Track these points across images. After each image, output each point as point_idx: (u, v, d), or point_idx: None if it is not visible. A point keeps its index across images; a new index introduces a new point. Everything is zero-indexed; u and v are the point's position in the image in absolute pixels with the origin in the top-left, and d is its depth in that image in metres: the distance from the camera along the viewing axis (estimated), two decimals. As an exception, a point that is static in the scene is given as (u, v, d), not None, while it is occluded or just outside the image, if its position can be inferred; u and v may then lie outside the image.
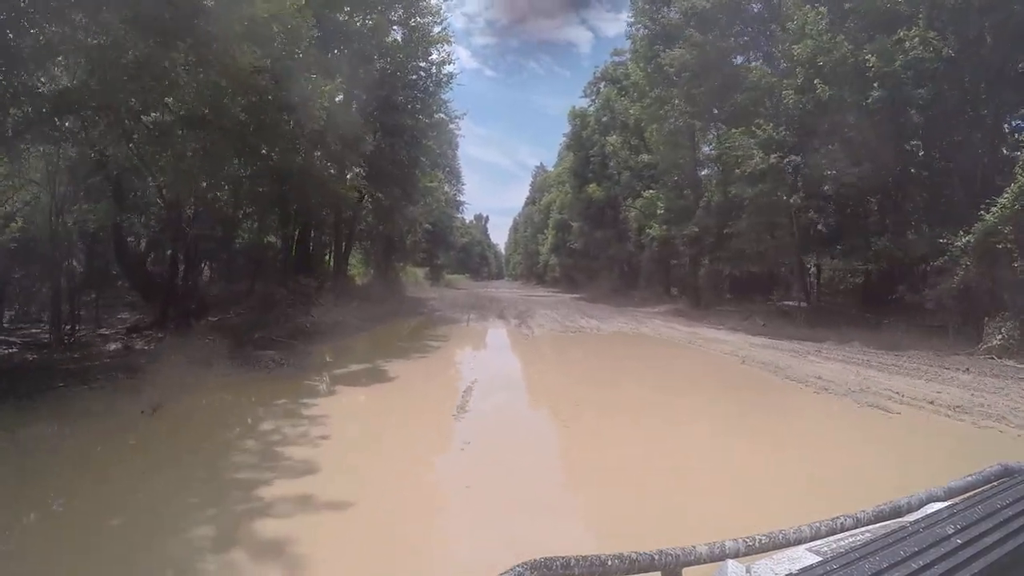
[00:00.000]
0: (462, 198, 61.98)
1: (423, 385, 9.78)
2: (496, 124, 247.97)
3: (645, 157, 28.84)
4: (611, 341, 16.93)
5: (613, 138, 35.65)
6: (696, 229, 24.06)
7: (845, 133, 18.08)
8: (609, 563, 0.96)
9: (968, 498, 1.12)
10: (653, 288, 40.34)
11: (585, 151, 37.73)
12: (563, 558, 0.92)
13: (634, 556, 0.99)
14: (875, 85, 17.05)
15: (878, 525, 1.17)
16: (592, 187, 34.34)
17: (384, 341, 15.84)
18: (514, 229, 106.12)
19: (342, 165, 15.09)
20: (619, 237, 38.03)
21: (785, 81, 19.55)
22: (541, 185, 73.93)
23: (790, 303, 24.93)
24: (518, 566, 0.88)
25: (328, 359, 12.38)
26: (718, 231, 23.28)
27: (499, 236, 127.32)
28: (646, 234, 31.37)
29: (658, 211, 26.48)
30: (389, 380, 9.98)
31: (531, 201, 79.05)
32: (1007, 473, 1.33)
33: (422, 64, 26.41)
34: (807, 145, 18.68)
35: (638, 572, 0.99)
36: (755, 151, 18.96)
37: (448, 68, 26.59)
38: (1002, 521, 0.89)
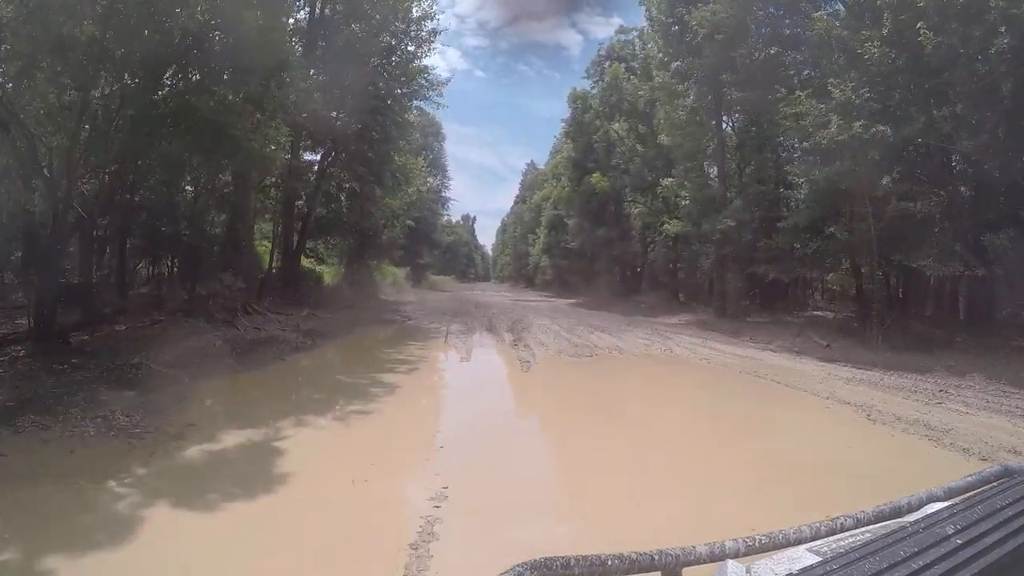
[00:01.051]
0: (448, 194, 56.98)
1: (332, 511, 4.55)
2: (486, 125, 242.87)
3: (664, 138, 23.80)
4: (645, 371, 11.96)
5: (618, 125, 30.78)
6: (731, 223, 19.14)
7: (956, 94, 13.33)
8: (609, 563, 0.92)
9: (968, 498, 1.09)
10: (659, 294, 35.53)
11: (587, 137, 32.75)
12: (563, 558, 0.88)
13: (634, 556, 0.95)
14: (1002, 30, 12.33)
15: (878, 525, 1.13)
16: (595, 177, 29.34)
17: (316, 373, 10.73)
18: (502, 230, 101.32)
19: (259, 106, 9.87)
20: (622, 236, 33.18)
21: (865, 32, 14.73)
22: (532, 183, 68.93)
23: (843, 315, 20.25)
24: (518, 566, 0.83)
25: (203, 413, 7.23)
26: (760, 226, 18.46)
27: (486, 238, 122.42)
28: (659, 231, 26.56)
29: (682, 202, 21.56)
30: (270, 490, 4.86)
31: (521, 200, 74.02)
32: (1007, 473, 1.29)
33: (399, 24, 21.32)
34: (902, 112, 13.92)
35: (638, 572, 0.95)
36: (832, 117, 14.10)
37: (430, 24, 21.50)
38: (1002, 521, 0.86)
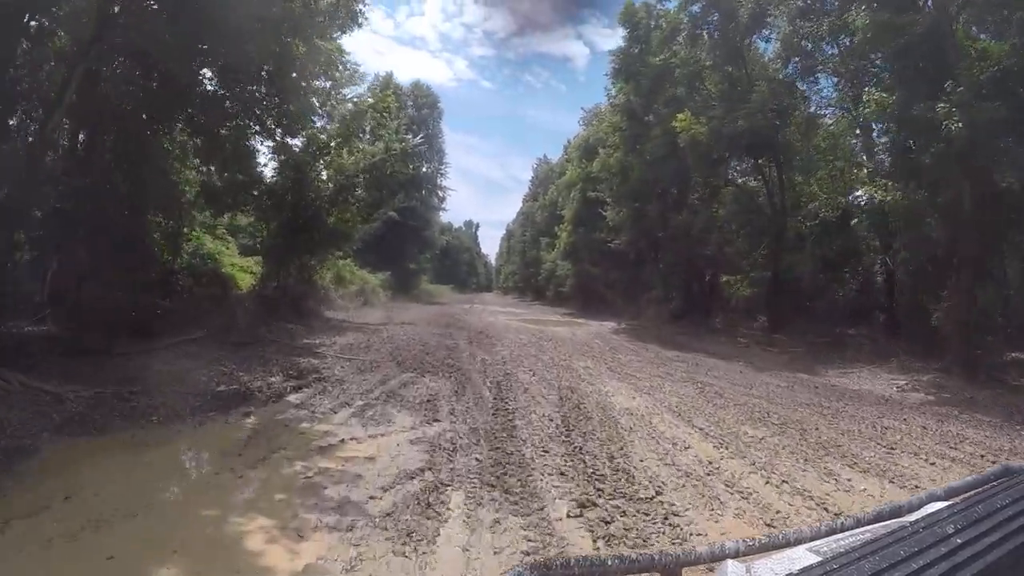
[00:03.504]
0: (447, 182, 44.63)
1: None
2: (490, 135, 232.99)
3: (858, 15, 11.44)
4: None
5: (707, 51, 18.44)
6: None
7: None
8: (609, 563, 0.90)
9: (968, 498, 1.04)
10: (731, 318, 23.29)
11: (653, 70, 20.14)
12: (563, 559, 0.86)
13: (634, 557, 0.92)
14: None
15: (878, 525, 1.07)
16: (681, 119, 16.63)
17: None
18: (507, 237, 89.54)
19: None
20: (683, 232, 20.65)
21: None
22: (545, 178, 56.63)
23: None
24: (518, 566, 0.81)
25: None
26: None
27: (489, 248, 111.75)
28: (807, 210, 14.27)
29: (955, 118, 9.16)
30: None
31: (532, 198, 61.52)
32: (1007, 473, 1.23)
33: None
34: None
35: (638, 572, 0.92)
36: None
37: None
38: (1002, 521, 0.84)
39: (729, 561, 0.91)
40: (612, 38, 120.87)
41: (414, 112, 41.10)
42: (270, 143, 17.62)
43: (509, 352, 12.39)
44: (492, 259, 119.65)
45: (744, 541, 0.99)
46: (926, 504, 1.13)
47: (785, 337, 18.76)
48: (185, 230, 16.23)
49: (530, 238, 56.72)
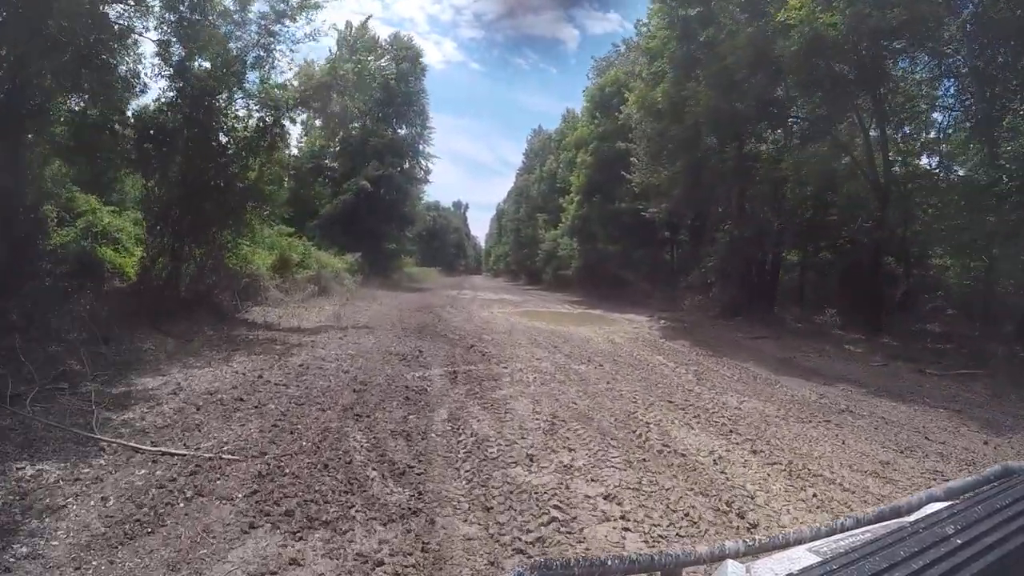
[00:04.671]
0: (430, 149, 37.95)
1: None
2: (479, 117, 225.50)
3: None
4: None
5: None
6: None
7: None
8: (609, 563, 0.88)
9: (968, 498, 1.03)
10: (796, 312, 17.65)
11: None
12: (563, 560, 0.84)
13: (634, 557, 0.90)
14: None
15: (878, 525, 1.04)
16: (796, 4, 10.35)
17: None
18: (498, 217, 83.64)
19: None
20: (762, 193, 14.55)
21: None
22: (542, 147, 50.19)
23: None
24: (518, 567, 0.80)
25: None
26: None
27: (478, 230, 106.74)
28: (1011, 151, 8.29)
29: None
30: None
31: (527, 170, 54.94)
32: (1007, 473, 1.20)
33: None
34: None
35: (638, 572, 0.89)
36: None
37: None
38: (1002, 521, 0.82)
39: (729, 561, 0.88)
40: (602, 21, 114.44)
41: (392, 65, 34.41)
42: (166, 68, 11.60)
43: (531, 404, 6.22)
44: (481, 241, 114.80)
45: (744, 541, 0.95)
46: (926, 504, 1.09)
47: (896, 341, 13.07)
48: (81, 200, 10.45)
49: (525, 215, 50.32)
